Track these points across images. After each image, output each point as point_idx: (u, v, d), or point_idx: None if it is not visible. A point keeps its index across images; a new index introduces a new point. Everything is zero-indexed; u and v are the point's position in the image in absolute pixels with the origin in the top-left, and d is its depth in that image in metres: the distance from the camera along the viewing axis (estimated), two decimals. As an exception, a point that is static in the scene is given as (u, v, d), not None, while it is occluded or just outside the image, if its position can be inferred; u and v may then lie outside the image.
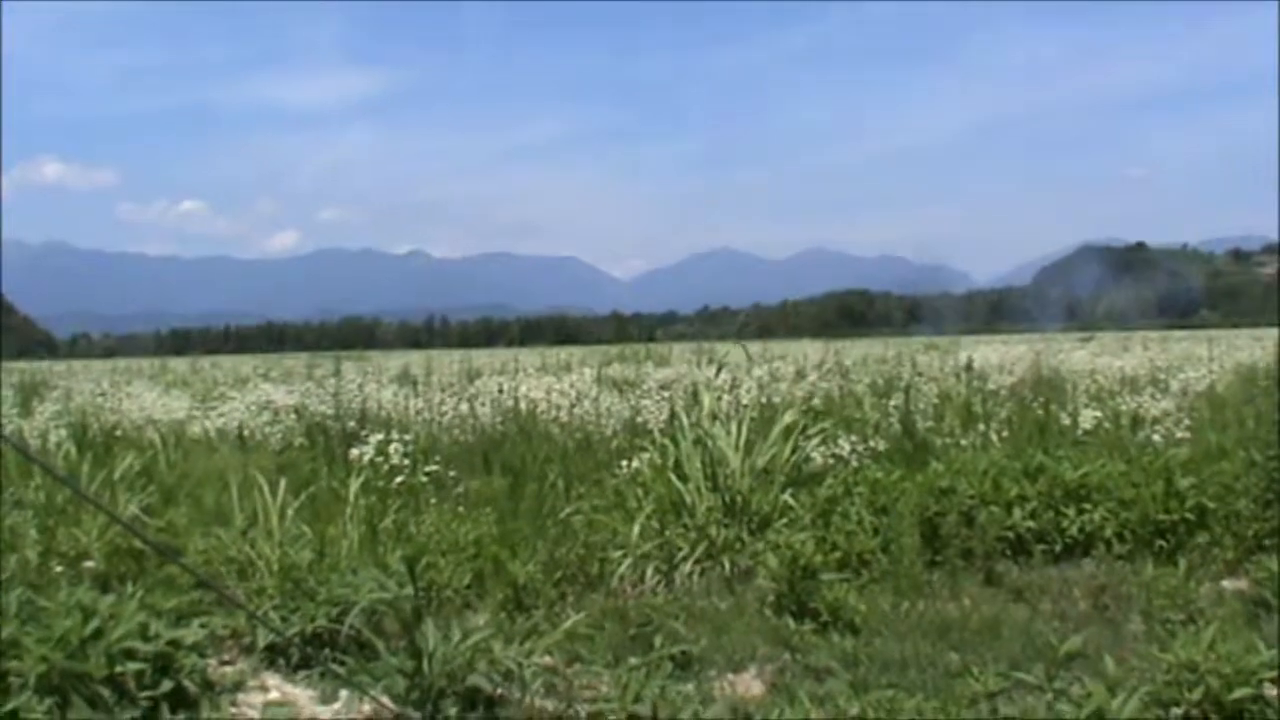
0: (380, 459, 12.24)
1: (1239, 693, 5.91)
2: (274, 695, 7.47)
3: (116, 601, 6.83)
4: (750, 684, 7.43)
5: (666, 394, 18.02)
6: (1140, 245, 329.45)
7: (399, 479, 11.93)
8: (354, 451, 12.86)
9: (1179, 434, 13.82)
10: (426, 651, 6.93)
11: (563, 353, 38.05)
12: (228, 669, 7.80)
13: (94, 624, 6.46)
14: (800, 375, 22.21)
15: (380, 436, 12.83)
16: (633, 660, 7.39)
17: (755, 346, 28.54)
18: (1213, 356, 26.34)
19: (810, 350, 31.08)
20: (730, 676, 7.55)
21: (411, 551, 8.80)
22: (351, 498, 10.51)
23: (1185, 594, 8.42)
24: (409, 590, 7.48)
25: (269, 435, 17.84)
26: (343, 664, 7.30)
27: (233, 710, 6.87)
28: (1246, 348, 30.60)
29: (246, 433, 18.11)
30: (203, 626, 7.13)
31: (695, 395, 12.76)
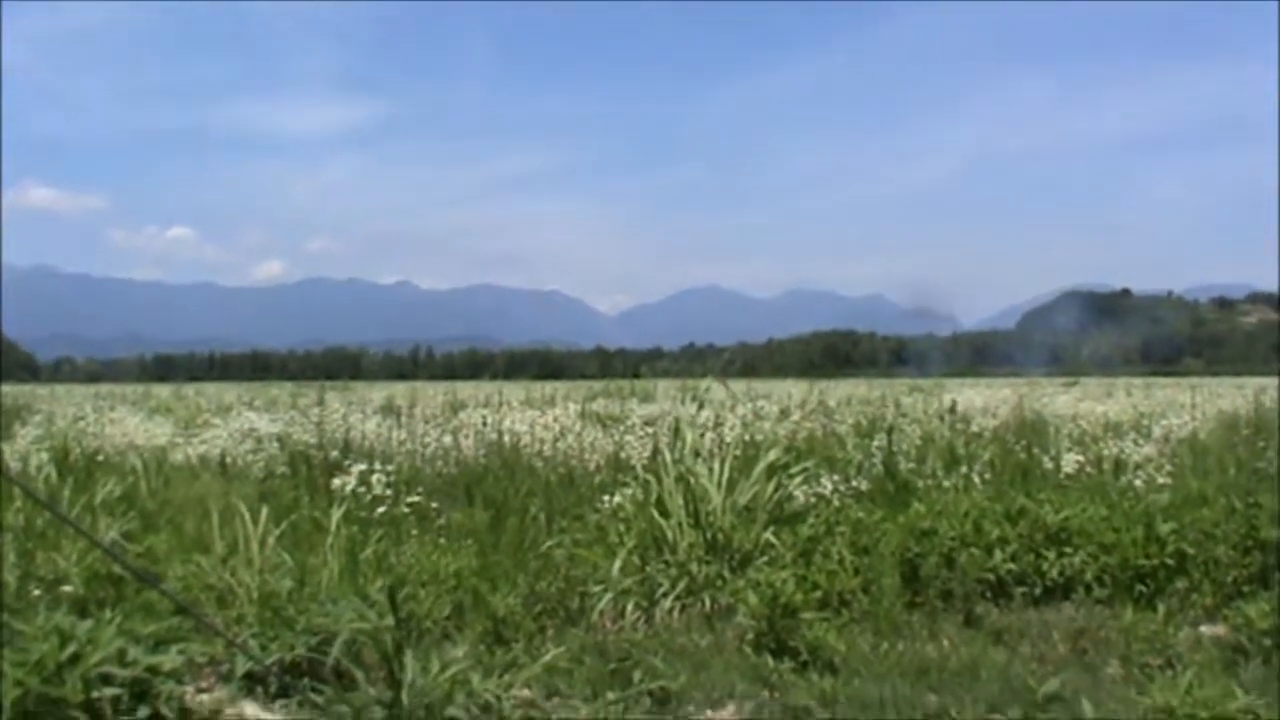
0: (363, 489, 12.24)
1: (1217, 738, 5.92)
2: (253, 724, 7.46)
3: (94, 626, 6.81)
4: (728, 721, 7.43)
5: (650, 430, 18.04)
6: (1125, 291, 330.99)
7: (381, 509, 11.92)
8: (336, 481, 12.86)
9: (1160, 479, 13.86)
10: (405, 682, 6.92)
11: (547, 387, 38.11)
12: (205, 696, 7.77)
13: (71, 648, 6.44)
14: (784, 414, 22.27)
15: (363, 467, 12.84)
16: (611, 695, 7.39)
17: (740, 385, 28.59)
18: (1195, 403, 26.46)
19: (795, 389, 31.19)
20: (709, 713, 7.54)
21: (392, 582, 8.78)
22: (333, 527, 10.47)
23: (1164, 639, 8.44)
24: (389, 620, 7.45)
25: (251, 463, 17.83)
26: (321, 693, 7.26)
27: (210, 738, 6.84)
28: (1229, 395, 30.77)
29: (229, 460, 18.09)
30: (181, 653, 7.09)
31: (678, 432, 12.74)
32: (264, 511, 10.09)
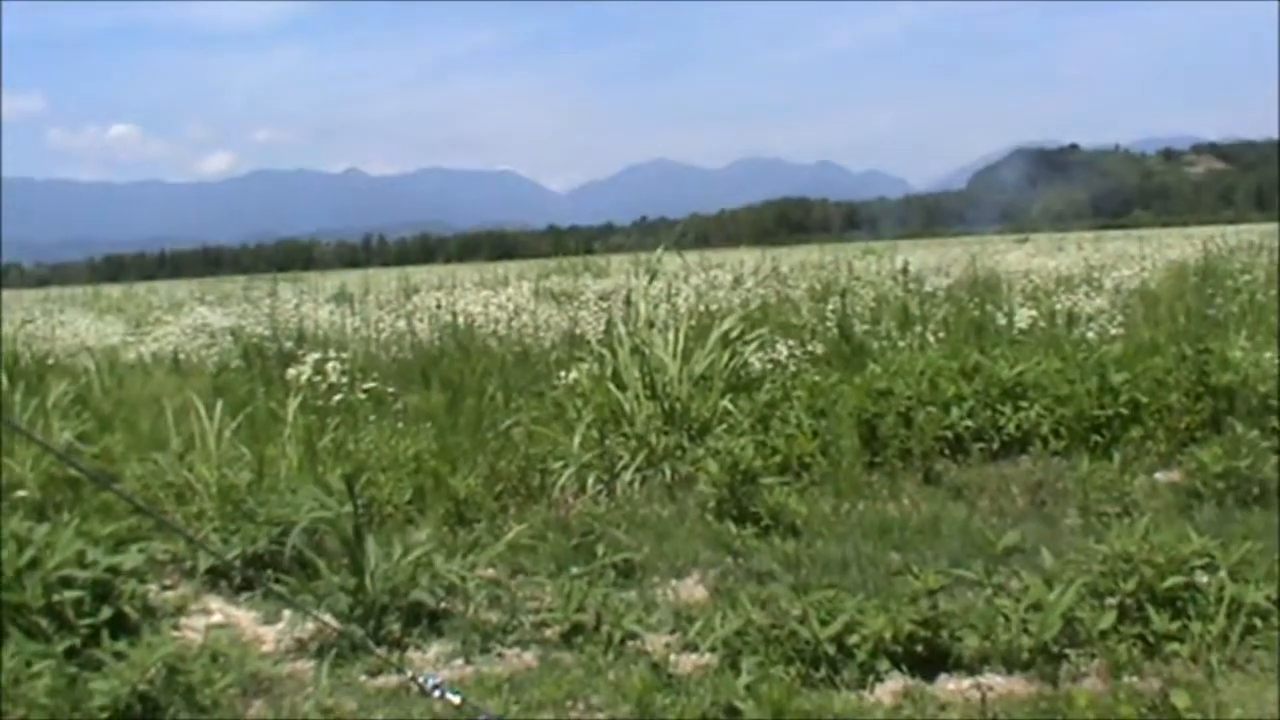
0: (318, 378, 12.15)
1: (1172, 580, 5.98)
2: (217, 618, 7.46)
3: (52, 530, 6.77)
4: (693, 589, 7.46)
5: (605, 305, 18.01)
6: (1073, 147, 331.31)
7: (337, 397, 11.85)
8: (291, 371, 12.76)
9: (1113, 331, 13.96)
10: (368, 569, 6.93)
11: (501, 267, 37.92)
12: (169, 594, 7.78)
13: (29, 553, 6.40)
14: (738, 282, 22.23)
15: (318, 355, 12.74)
16: (575, 570, 7.41)
17: (693, 256, 28.54)
18: (1145, 255, 26.59)
19: (748, 258, 31.06)
20: (673, 582, 7.57)
21: (351, 469, 8.76)
22: (290, 418, 10.42)
23: (1120, 487, 8.52)
24: (349, 508, 7.44)
25: (205, 359, 17.74)
26: (285, 584, 7.26)
27: (175, 634, 6.81)
28: (1178, 246, 30.86)
29: (182, 357, 17.99)
30: (141, 552, 7.06)
31: (632, 304, 12.71)
32: (219, 405, 10.04)
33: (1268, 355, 10.75)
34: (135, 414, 12.23)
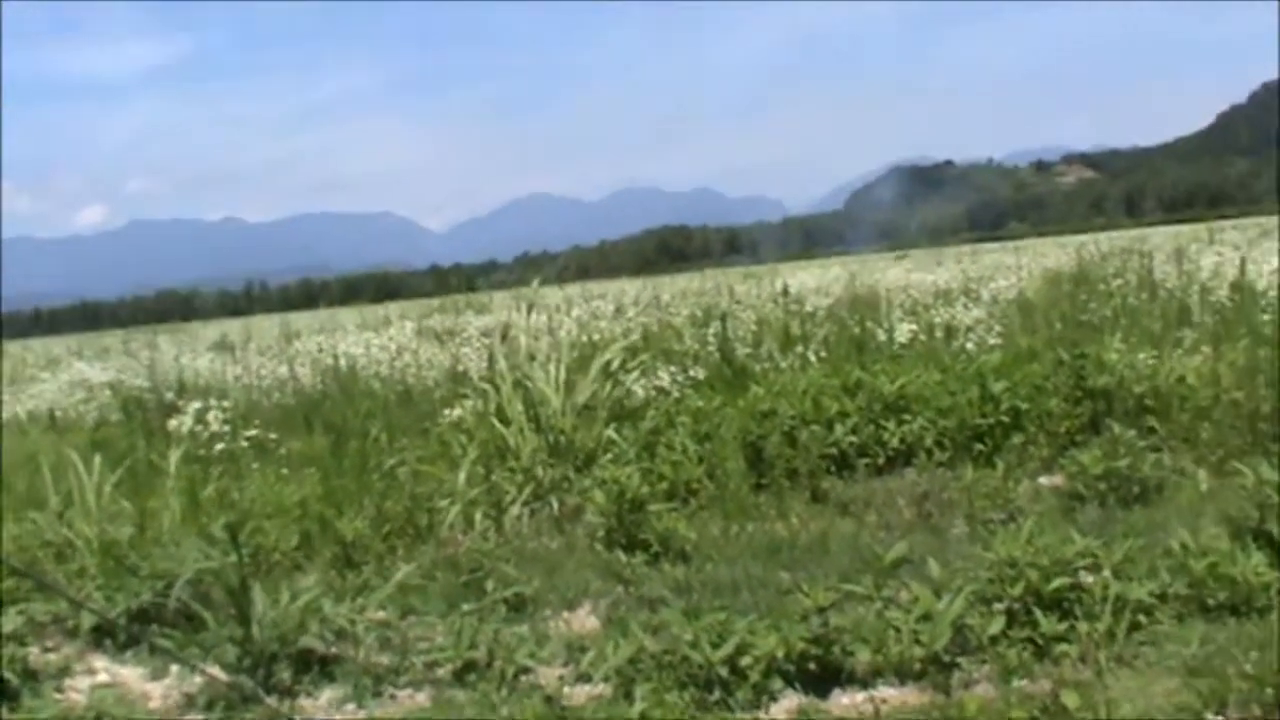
0: (199, 428, 12.00)
1: (1057, 582, 6.05)
2: (102, 678, 7.29)
3: (-73, 596, 6.62)
4: (585, 620, 7.43)
5: (487, 340, 17.97)
6: (948, 162, 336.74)
7: (219, 446, 11.71)
8: (172, 422, 12.60)
9: (991, 341, 14.13)
10: (255, 617, 6.82)
11: (383, 309, 37.74)
12: (51, 655, 7.60)
13: (-97, 621, 6.25)
14: (619, 312, 22.29)
15: (198, 405, 12.58)
16: (466, 607, 7.35)
17: (575, 288, 28.56)
18: (1021, 265, 26.94)
19: (630, 288, 31.16)
20: (565, 614, 7.53)
21: (235, 518, 8.64)
22: (172, 469, 10.29)
23: (1004, 494, 8.63)
24: (233, 557, 7.33)
25: (83, 414, 17.50)
26: (171, 639, 7.13)
27: (59, 697, 6.68)
28: (1053, 254, 31.35)
29: (59, 413, 17.72)
30: (21, 614, 6.95)
31: (507, 337, 12.68)
32: (97, 460, 9.87)
33: (1142, 356, 10.92)
34: (11, 474, 11.99)
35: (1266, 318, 13.84)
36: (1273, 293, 15.84)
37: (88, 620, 7.73)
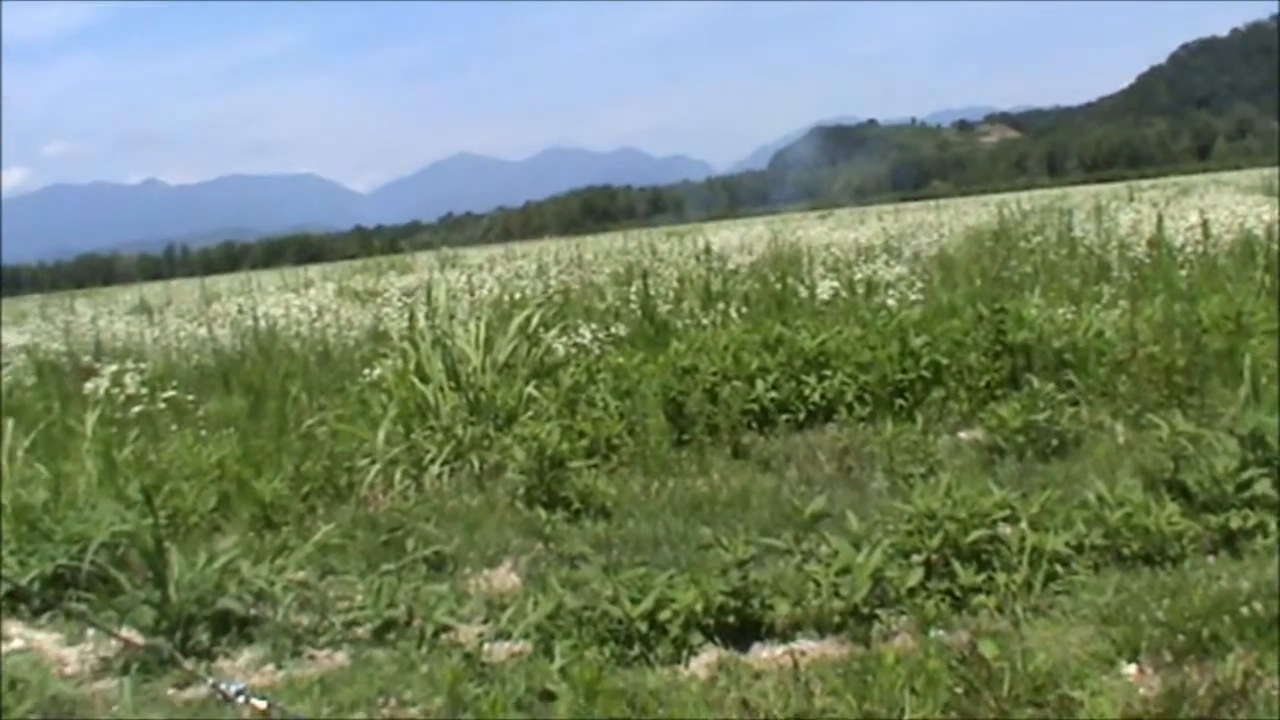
0: (116, 390, 11.84)
1: (976, 534, 6.08)
2: (17, 644, 7.19)
3: None
4: (505, 578, 7.40)
5: (409, 300, 17.87)
6: (871, 122, 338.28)
7: (136, 409, 11.55)
8: (88, 385, 12.42)
9: (912, 297, 14.16)
10: (172, 580, 6.74)
11: (306, 271, 37.47)
12: (-37, 623, 7.50)
13: None
14: (542, 272, 22.22)
15: (115, 367, 12.41)
16: (385, 566, 7.29)
17: (499, 248, 28.45)
18: (943, 223, 27.11)
19: (553, 247, 31.07)
20: (485, 572, 7.50)
21: (151, 480, 8.56)
22: (88, 432, 10.16)
23: (925, 448, 8.64)
24: (150, 520, 7.24)
25: (-2, 379, 17.23)
26: (87, 603, 7.04)
27: (-29, 663, 6.58)
28: (975, 213, 31.57)
29: (-30, 380, 17.44)
30: (-70, 581, 6.83)
31: (429, 296, 12.60)
32: (9, 424, 9.74)
33: (1061, 312, 11.01)
34: (-81, 440, 11.80)
35: (1183, 274, 13.99)
36: (1189, 249, 16.02)
37: (1, 587, 7.62)
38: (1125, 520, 6.37)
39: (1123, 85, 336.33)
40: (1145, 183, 52.43)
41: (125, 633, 6.54)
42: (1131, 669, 5.15)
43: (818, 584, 5.95)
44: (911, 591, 5.89)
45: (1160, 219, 17.59)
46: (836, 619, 5.82)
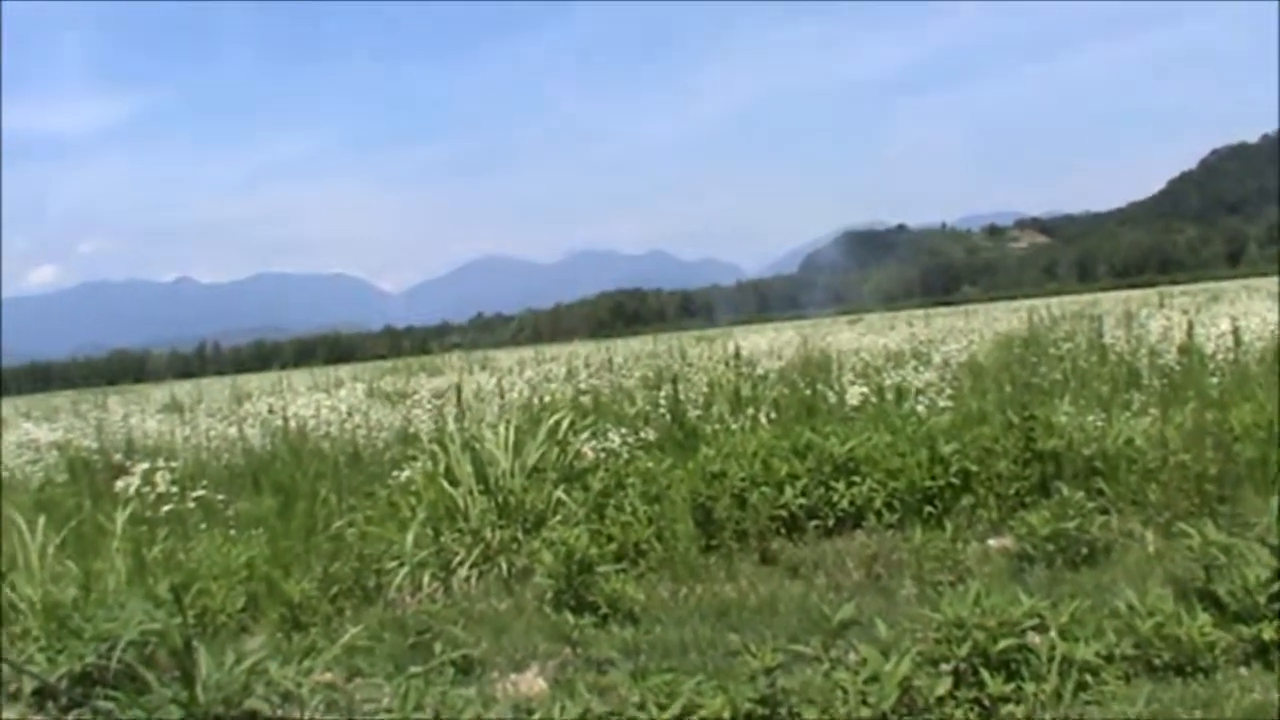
0: (147, 488, 11.89)
1: (1005, 643, 6.04)
2: (45, 741, 7.21)
3: None
4: (533, 682, 7.38)
5: (438, 402, 17.92)
6: (901, 227, 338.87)
7: (166, 507, 11.59)
8: (119, 483, 12.47)
9: (942, 403, 14.13)
10: (200, 679, 6.74)
11: (336, 371, 37.61)
12: (-8, 719, 7.50)
13: None
14: (571, 374, 22.26)
15: (146, 465, 12.48)
16: (413, 669, 7.27)
17: (528, 350, 28.53)
18: (973, 329, 27.12)
19: (583, 350, 31.17)
20: (513, 676, 7.50)
21: (180, 579, 8.58)
22: (118, 530, 10.20)
23: (953, 555, 8.62)
24: (178, 619, 7.25)
25: (29, 475, 17.30)
26: (115, 700, 7.04)
27: (-2, 761, 6.59)
28: (1004, 318, 31.60)
29: (5, 474, 17.52)
30: (-39, 677, 6.84)
31: (459, 399, 12.65)
32: (41, 521, 9.78)
33: (1091, 419, 10.99)
34: (-47, 535, 11.84)
35: (1214, 381, 13.96)
36: (1220, 356, 15.98)
37: (29, 684, 7.62)
38: (1156, 630, 6.34)
39: (1153, 190, 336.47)
40: (1176, 288, 52.45)
41: (150, 733, 6.54)
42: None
43: (845, 692, 5.91)
44: (940, 700, 5.85)
45: (1191, 325, 17.57)
46: (865, 727, 5.78)
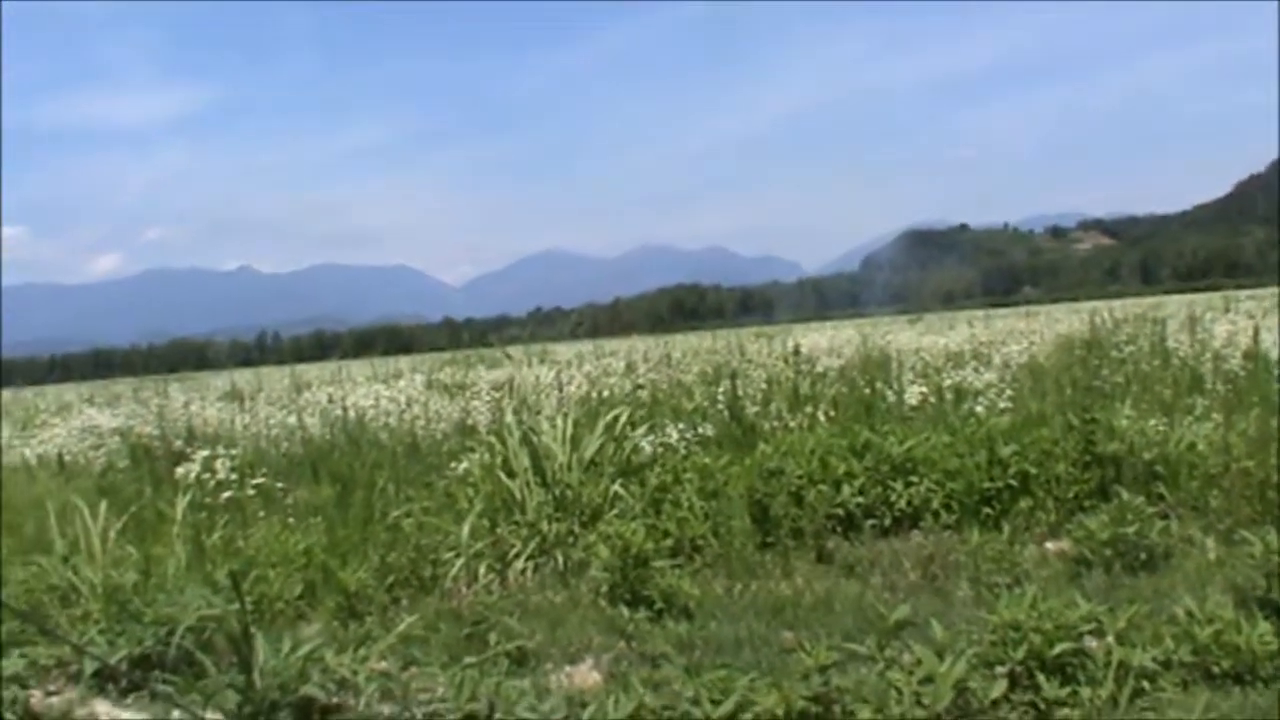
0: (207, 475, 12.00)
1: (1061, 647, 6.02)
2: (104, 722, 7.28)
3: (-71, 637, 6.61)
4: (587, 675, 7.39)
5: (497, 394, 17.96)
6: (963, 227, 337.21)
7: (226, 494, 11.70)
8: (180, 470, 12.59)
9: (1001, 404, 14.05)
10: (257, 665, 6.79)
11: (395, 362, 37.76)
12: (54, 699, 7.56)
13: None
14: (630, 369, 22.27)
15: (206, 453, 12.59)
16: (468, 659, 7.30)
17: (588, 345, 28.57)
18: (1034, 330, 26.93)
19: (642, 345, 31.16)
20: (567, 669, 7.50)
21: (239, 565, 8.64)
22: (178, 516, 10.30)
23: (1010, 558, 8.58)
24: (236, 605, 7.31)
25: (92, 460, 17.48)
26: (173, 684, 7.10)
27: (58, 740, 6.66)
28: (1066, 320, 31.33)
29: (69, 458, 17.70)
30: (23, 656, 6.93)
31: (517, 392, 12.69)
32: (103, 506, 9.88)
33: (1152, 423, 10.91)
34: (18, 517, 11.97)
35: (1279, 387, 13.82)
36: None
37: (89, 665, 7.70)
38: (1215, 638, 6.29)
39: (1220, 193, 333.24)
40: (1242, 293, 51.86)
41: (209, 716, 6.58)
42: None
43: (900, 692, 5.90)
44: (995, 703, 5.83)
45: (1257, 330, 17.41)
46: (919, 728, 5.77)
